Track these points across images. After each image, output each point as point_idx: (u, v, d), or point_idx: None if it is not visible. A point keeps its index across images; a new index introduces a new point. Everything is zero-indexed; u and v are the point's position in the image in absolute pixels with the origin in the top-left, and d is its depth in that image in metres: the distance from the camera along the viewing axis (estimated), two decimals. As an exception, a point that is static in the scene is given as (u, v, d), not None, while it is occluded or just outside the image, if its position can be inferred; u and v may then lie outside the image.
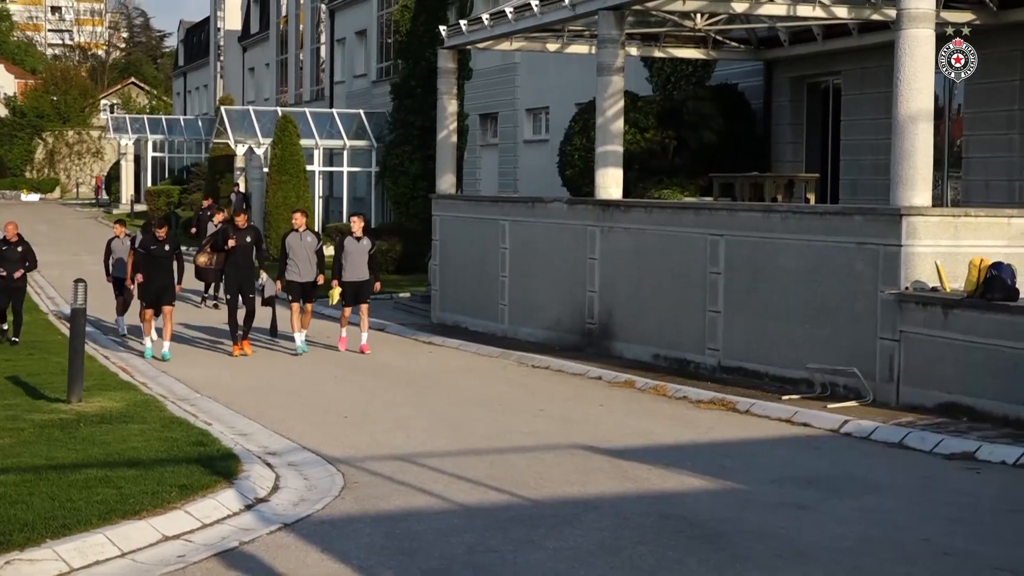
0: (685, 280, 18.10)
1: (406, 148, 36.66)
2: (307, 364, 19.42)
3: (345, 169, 42.87)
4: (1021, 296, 13.85)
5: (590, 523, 9.81)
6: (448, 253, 24.62)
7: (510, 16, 22.05)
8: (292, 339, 20.40)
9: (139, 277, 19.69)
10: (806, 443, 13.30)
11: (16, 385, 16.09)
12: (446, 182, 25.29)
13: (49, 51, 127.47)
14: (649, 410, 15.28)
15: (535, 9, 21.18)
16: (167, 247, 19.55)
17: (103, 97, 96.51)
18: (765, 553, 9.01)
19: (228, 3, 72.13)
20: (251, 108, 45.81)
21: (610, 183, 20.11)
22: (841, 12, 20.17)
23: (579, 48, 24.50)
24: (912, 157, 14.85)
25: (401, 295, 28.64)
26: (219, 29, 73.72)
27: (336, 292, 20.70)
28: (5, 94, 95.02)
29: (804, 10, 19.94)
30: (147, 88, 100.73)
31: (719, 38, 24.65)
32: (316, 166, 41.73)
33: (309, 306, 20.57)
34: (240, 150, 42.82)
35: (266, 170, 40.01)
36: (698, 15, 22.10)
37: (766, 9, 19.92)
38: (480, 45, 24.73)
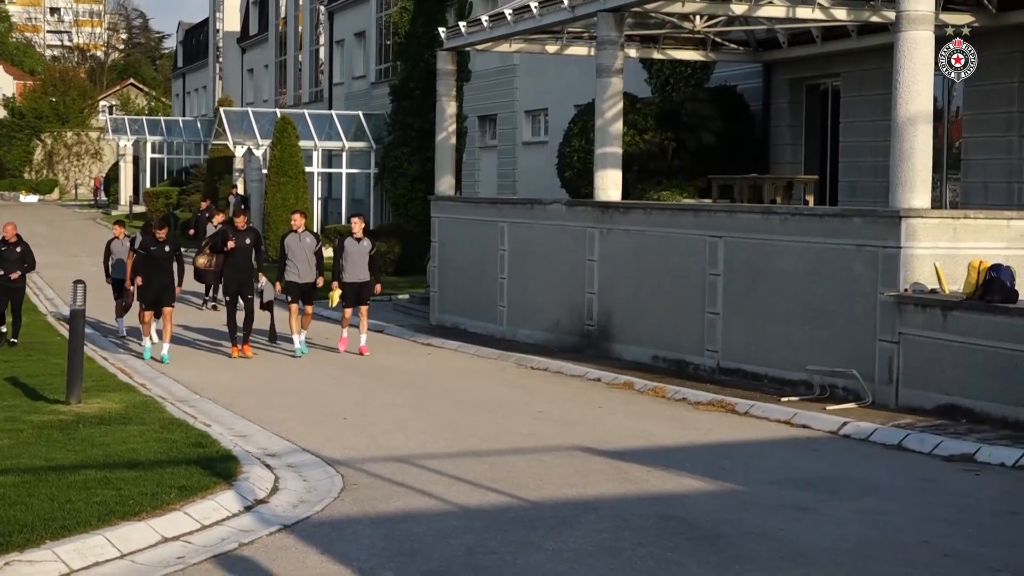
0: (684, 282, 18.11)
1: (405, 150, 36.67)
2: (306, 365, 19.42)
3: (344, 171, 42.87)
4: (1020, 298, 13.85)
5: (590, 525, 9.81)
6: (447, 255, 24.62)
7: (509, 18, 22.06)
8: (291, 341, 20.39)
9: (138, 280, 19.67)
10: (805, 445, 13.30)
11: (15, 386, 16.09)
12: (445, 184, 25.30)
13: (48, 52, 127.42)
14: (648, 412, 15.28)
15: (534, 11, 21.19)
16: (167, 248, 19.53)
17: (102, 98, 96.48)
18: (765, 554, 9.01)
19: (227, 5, 72.11)
20: (250, 110, 45.81)
21: (609, 185, 20.12)
22: (840, 14, 20.18)
23: (578, 50, 24.52)
24: (911, 159, 14.86)
25: (400, 297, 28.65)
26: (218, 30, 73.69)
27: (336, 294, 20.68)
28: (4, 95, 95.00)
29: (803, 12, 19.95)
30: (146, 89, 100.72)
31: (718, 40, 24.66)
32: (315, 168, 41.74)
33: (310, 308, 20.55)
34: (239, 151, 42.83)
35: (265, 172, 40.03)
36: (697, 17, 22.11)
37: (765, 11, 19.93)
38: (479, 47, 24.74)
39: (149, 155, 64.59)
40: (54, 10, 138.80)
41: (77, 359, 14.62)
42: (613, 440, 13.38)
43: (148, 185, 62.83)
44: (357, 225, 20.66)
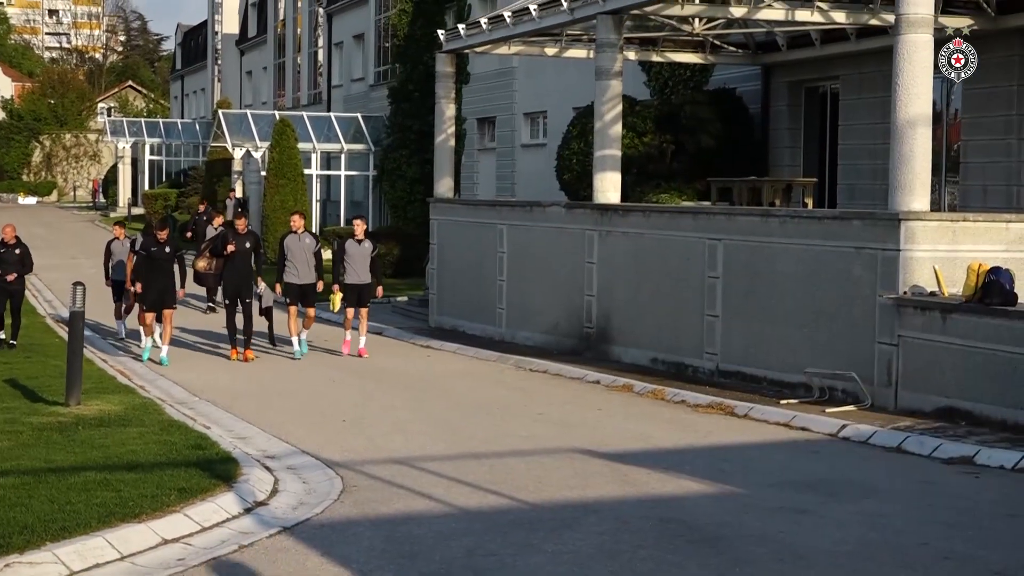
0: (683, 284, 18.11)
1: (403, 152, 36.69)
2: (305, 367, 19.42)
3: (343, 173, 42.88)
4: (1019, 301, 13.86)
5: (590, 527, 9.81)
6: (446, 257, 24.63)
7: (508, 20, 22.07)
8: (291, 343, 20.38)
9: (138, 287, 19.65)
10: (804, 447, 13.31)
11: (14, 388, 16.09)
12: (444, 186, 25.31)
13: (46, 54, 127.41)
14: (647, 414, 15.28)
15: (533, 13, 21.20)
16: (167, 249, 19.53)
17: (100, 100, 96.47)
18: (765, 557, 9.02)
19: (226, 7, 72.13)
20: (248, 112, 45.80)
21: (608, 187, 20.13)
22: (839, 17, 20.19)
23: (577, 52, 24.53)
24: (911, 162, 14.87)
25: (399, 299, 28.65)
26: (216, 33, 73.69)
27: (338, 298, 20.70)
28: (2, 97, 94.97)
29: (802, 15, 19.96)
30: (144, 91, 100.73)
31: (717, 43, 24.68)
32: (314, 170, 41.74)
33: (312, 311, 20.53)
34: (238, 154, 42.84)
35: (264, 174, 40.04)
36: (696, 20, 22.13)
37: (764, 14, 19.94)
38: (478, 49, 24.75)
39: (147, 157, 64.61)
40: (52, 12, 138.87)
41: (76, 361, 14.62)
42: (612, 442, 13.38)
43: (146, 187, 62.84)
44: (359, 227, 20.63)
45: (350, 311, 20.47)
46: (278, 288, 20.35)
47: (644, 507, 10.46)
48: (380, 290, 21.06)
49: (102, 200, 74.79)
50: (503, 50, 24.52)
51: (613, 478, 11.62)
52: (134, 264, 20.45)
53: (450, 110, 25.10)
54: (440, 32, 25.25)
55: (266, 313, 21.35)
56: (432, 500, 10.68)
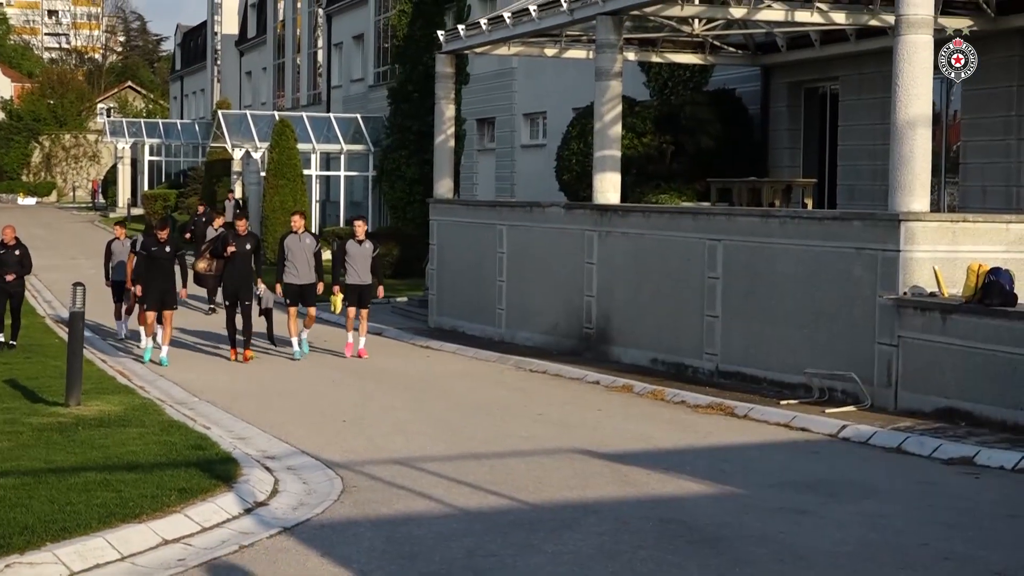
0: (683, 285, 18.11)
1: (403, 152, 36.69)
2: (305, 368, 19.42)
3: (342, 173, 42.89)
4: (1019, 301, 13.86)
5: (590, 527, 9.81)
6: (445, 257, 24.63)
7: (508, 21, 22.07)
8: (291, 344, 20.37)
9: (137, 290, 19.65)
10: (804, 448, 13.31)
11: (14, 389, 16.09)
12: (444, 187, 25.31)
13: (46, 55, 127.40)
14: (647, 414, 15.28)
15: (533, 14, 21.21)
16: (168, 248, 19.55)
17: (100, 101, 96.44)
18: (765, 557, 9.02)
19: (225, 7, 72.15)
20: (248, 112, 45.82)
21: (608, 188, 20.13)
22: (839, 18, 20.20)
23: (577, 53, 24.53)
24: (910, 162, 14.87)
25: (399, 299, 28.65)
26: (216, 33, 73.70)
27: (338, 299, 20.70)
28: (2, 98, 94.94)
29: (802, 16, 19.97)
30: (144, 92, 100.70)
31: (717, 43, 24.68)
32: (313, 170, 41.75)
33: (312, 310, 20.52)
34: (237, 154, 42.83)
35: (263, 174, 40.03)
36: (696, 20, 22.13)
37: (764, 15, 19.94)
38: (478, 50, 24.75)
39: (147, 158, 64.63)
40: (52, 12, 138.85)
41: (76, 361, 14.62)
42: (612, 443, 13.38)
43: (146, 188, 62.84)
44: (360, 228, 20.61)
45: (351, 311, 20.46)
46: (278, 288, 20.33)
47: (644, 507, 10.46)
48: (381, 290, 21.06)
49: (101, 201, 74.78)
50: (503, 51, 24.53)
51: (613, 478, 11.62)
52: (134, 264, 20.44)
53: (449, 111, 25.10)
54: (439, 33, 25.26)
55: (266, 314, 21.35)
56: (432, 500, 10.68)
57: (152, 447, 12.24)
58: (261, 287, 20.80)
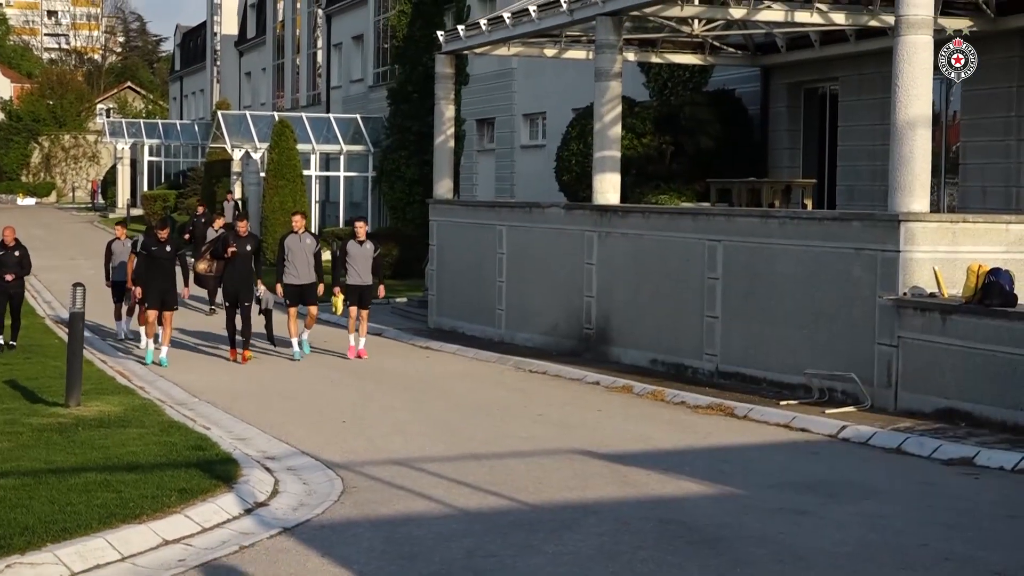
0: (683, 285, 18.12)
1: (403, 153, 36.69)
2: (304, 368, 19.43)
3: (342, 174, 42.89)
4: (1019, 302, 13.87)
5: (590, 528, 9.81)
6: (445, 258, 24.63)
7: (508, 21, 22.08)
8: (291, 344, 20.36)
9: (137, 292, 19.65)
10: (804, 448, 13.31)
11: (14, 389, 16.09)
12: (443, 187, 25.31)
13: (45, 55, 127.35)
14: (647, 415, 15.28)
15: (533, 14, 21.21)
16: (168, 248, 19.56)
17: (99, 101, 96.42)
18: (765, 558, 9.02)
19: (224, 8, 72.15)
20: (248, 113, 45.82)
21: (607, 188, 20.13)
22: (839, 18, 20.20)
23: (576, 53, 24.53)
24: (910, 163, 14.88)
25: (398, 300, 28.65)
26: (215, 34, 73.71)
27: (339, 300, 20.70)
28: (1, 98, 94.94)
29: (802, 16, 19.97)
30: (143, 92, 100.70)
31: (716, 44, 24.69)
32: (313, 171, 41.75)
33: (314, 309, 20.52)
34: (236, 155, 42.83)
35: (263, 175, 40.03)
36: (695, 21, 22.14)
37: (764, 15, 19.95)
38: (478, 50, 24.75)
39: (146, 158, 64.63)
40: (51, 13, 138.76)
41: (76, 362, 14.62)
42: (612, 443, 13.39)
43: (145, 188, 62.82)
44: (361, 229, 20.60)
45: (353, 311, 20.45)
46: (279, 288, 20.32)
47: (644, 508, 10.47)
48: (382, 289, 21.05)
49: (101, 201, 74.78)
50: (502, 51, 24.53)
51: (613, 479, 11.63)
52: (135, 265, 20.45)
53: (449, 111, 25.11)
54: (439, 33, 25.26)
55: (266, 314, 21.35)
56: (432, 501, 10.68)
57: (152, 448, 12.24)
58: (261, 288, 20.80)
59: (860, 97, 23.14)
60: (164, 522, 9.54)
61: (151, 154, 64.81)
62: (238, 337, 19.97)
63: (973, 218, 15.46)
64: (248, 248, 20.07)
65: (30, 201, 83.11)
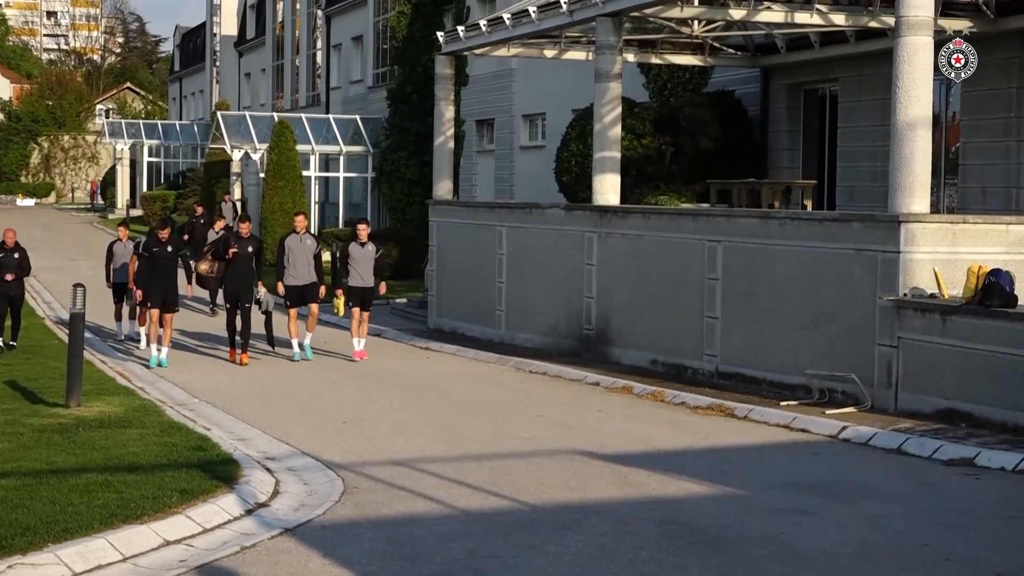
0: (683, 286, 18.12)
1: (402, 154, 36.68)
2: (305, 369, 19.43)
3: (341, 174, 42.88)
4: (1019, 303, 13.88)
5: (591, 528, 9.82)
6: (445, 259, 24.63)
7: (508, 22, 22.08)
8: (291, 345, 20.36)
9: (138, 295, 19.67)
10: (805, 449, 13.32)
11: (14, 390, 16.10)
12: (443, 188, 25.31)
13: (45, 56, 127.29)
14: (647, 416, 15.29)
15: (533, 15, 21.22)
16: (169, 248, 19.57)
17: (99, 102, 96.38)
18: (766, 558, 9.03)
19: (224, 9, 72.15)
20: (247, 113, 45.81)
21: (607, 189, 20.14)
22: (839, 19, 20.21)
23: (576, 54, 24.53)
24: (910, 164, 14.88)
25: (398, 300, 28.65)
26: (215, 34, 73.70)
27: (341, 302, 20.68)
28: (1, 99, 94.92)
29: (801, 17, 19.98)
30: (143, 93, 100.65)
31: (716, 45, 24.69)
32: (312, 171, 41.73)
33: (315, 308, 20.51)
34: (236, 155, 42.82)
35: (262, 175, 40.02)
36: (695, 22, 22.14)
37: (763, 16, 19.95)
38: (478, 51, 24.76)
39: (146, 159, 64.62)
40: (51, 14, 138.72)
41: (76, 363, 14.63)
42: (613, 444, 13.39)
43: (145, 189, 62.80)
44: (363, 230, 20.55)
45: (355, 312, 20.44)
46: (280, 288, 20.31)
47: (645, 509, 10.47)
48: (384, 286, 21.03)
49: (100, 202, 74.74)
50: (502, 52, 24.54)
51: (614, 480, 11.63)
52: (137, 266, 20.45)
53: (449, 112, 25.11)
54: (439, 34, 25.26)
55: (266, 315, 21.34)
56: (433, 501, 10.69)
57: (153, 448, 12.25)
58: (262, 290, 20.80)
59: (860, 98, 23.14)
60: (165, 523, 9.54)
61: (150, 155, 64.80)
62: (238, 338, 19.98)
63: (973, 219, 15.47)
64: (250, 249, 20.07)
65: (29, 202, 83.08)
